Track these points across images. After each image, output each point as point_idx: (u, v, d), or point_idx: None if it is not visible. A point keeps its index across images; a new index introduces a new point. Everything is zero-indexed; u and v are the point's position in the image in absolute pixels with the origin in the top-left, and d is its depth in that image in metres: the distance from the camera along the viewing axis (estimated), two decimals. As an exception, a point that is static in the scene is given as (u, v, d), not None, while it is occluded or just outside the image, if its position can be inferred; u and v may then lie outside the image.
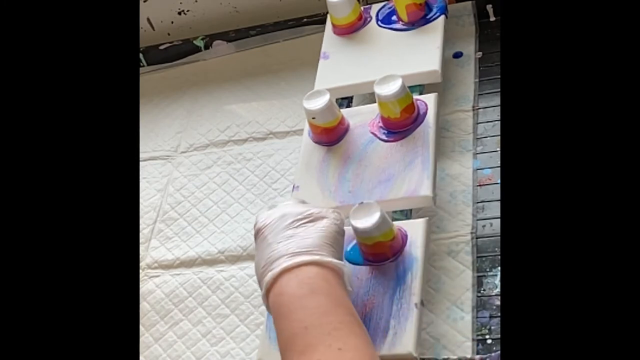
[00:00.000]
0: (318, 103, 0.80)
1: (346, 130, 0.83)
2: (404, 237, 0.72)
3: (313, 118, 0.82)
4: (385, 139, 0.80)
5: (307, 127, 0.85)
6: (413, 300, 0.68)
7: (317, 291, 0.61)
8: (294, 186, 0.81)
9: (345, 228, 0.71)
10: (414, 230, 0.73)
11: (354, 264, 0.72)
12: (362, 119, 0.83)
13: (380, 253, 0.71)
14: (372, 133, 0.81)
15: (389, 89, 0.78)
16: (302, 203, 0.70)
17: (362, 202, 0.70)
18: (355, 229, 0.70)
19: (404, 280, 0.69)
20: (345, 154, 0.81)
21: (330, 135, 0.83)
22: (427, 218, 0.74)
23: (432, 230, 0.78)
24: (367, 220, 0.69)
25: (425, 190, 0.74)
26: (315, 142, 0.84)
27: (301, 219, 0.66)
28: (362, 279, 0.71)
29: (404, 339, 0.66)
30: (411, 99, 0.79)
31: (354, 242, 0.73)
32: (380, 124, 0.81)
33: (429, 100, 0.81)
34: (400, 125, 0.80)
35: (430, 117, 0.80)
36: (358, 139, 0.82)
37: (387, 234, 0.70)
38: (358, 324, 0.60)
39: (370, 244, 0.70)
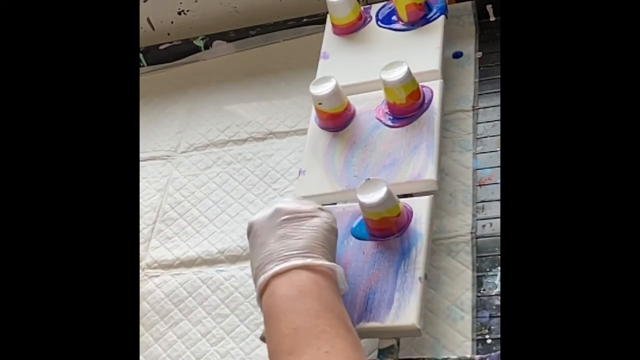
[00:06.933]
0: (325, 89, 0.82)
1: (352, 116, 0.84)
2: (409, 214, 0.73)
3: (320, 104, 0.83)
4: (391, 124, 0.82)
5: (313, 113, 0.86)
6: (417, 274, 0.69)
7: (307, 295, 0.62)
8: (300, 171, 0.82)
9: (352, 204, 0.72)
10: (419, 207, 0.74)
11: (360, 239, 0.74)
12: (368, 105, 0.85)
13: (386, 228, 0.72)
14: (378, 119, 0.83)
15: (395, 74, 0.79)
16: (298, 199, 0.70)
17: (369, 179, 0.72)
18: (362, 205, 0.71)
19: (408, 255, 0.71)
20: (351, 140, 0.83)
21: (337, 121, 0.84)
22: (432, 196, 0.75)
23: (432, 230, 0.78)
24: (373, 196, 0.70)
25: (430, 174, 0.75)
26: (322, 128, 0.85)
27: (292, 218, 0.66)
28: (368, 254, 0.72)
29: (408, 312, 0.67)
30: (417, 85, 0.80)
31: (360, 217, 0.74)
32: (386, 110, 0.83)
33: (435, 86, 0.82)
34: (406, 111, 0.81)
35: (436, 104, 0.81)
36: (364, 124, 0.83)
37: (392, 210, 0.71)
38: (346, 328, 0.61)
39: (377, 220, 0.71)
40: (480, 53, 0.92)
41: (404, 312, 0.67)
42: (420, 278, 0.69)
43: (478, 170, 0.81)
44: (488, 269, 0.74)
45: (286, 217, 0.66)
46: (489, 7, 0.95)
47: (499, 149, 0.82)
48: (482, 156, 0.82)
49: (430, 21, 0.89)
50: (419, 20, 0.90)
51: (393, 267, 0.70)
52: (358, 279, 0.71)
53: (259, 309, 0.80)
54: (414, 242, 0.71)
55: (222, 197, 0.94)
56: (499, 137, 0.83)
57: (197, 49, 1.12)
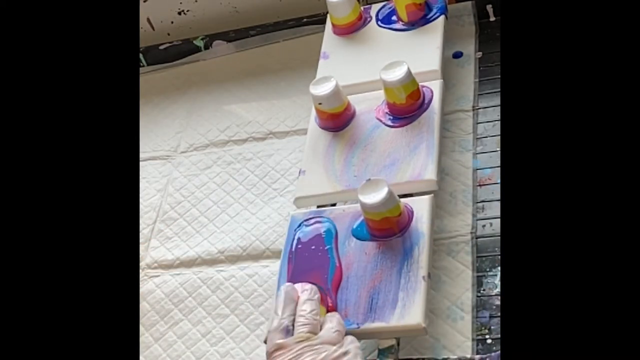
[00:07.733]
0: (325, 89, 0.82)
1: (352, 116, 0.84)
2: (410, 214, 0.73)
3: (320, 104, 0.83)
4: (391, 124, 0.82)
5: (313, 113, 0.86)
6: (420, 273, 0.69)
7: None
8: (300, 171, 0.83)
9: (352, 205, 0.74)
10: (420, 206, 0.74)
11: (361, 239, 0.74)
12: (368, 105, 0.85)
13: (387, 228, 0.72)
14: (378, 119, 0.83)
15: (395, 74, 0.79)
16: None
17: (369, 179, 0.72)
18: (363, 205, 0.71)
19: (411, 255, 0.71)
20: (351, 140, 0.83)
21: (337, 121, 0.84)
22: (432, 195, 0.75)
23: (434, 229, 0.78)
24: (374, 196, 0.70)
25: (430, 174, 0.75)
26: (322, 128, 0.85)
27: None
28: (370, 254, 0.72)
29: (413, 311, 0.67)
30: (417, 85, 0.81)
31: (361, 218, 0.74)
32: (386, 110, 0.83)
33: (435, 86, 0.83)
34: (406, 111, 0.81)
35: (436, 104, 0.81)
36: (364, 124, 0.83)
37: (394, 209, 0.71)
38: None
39: (378, 220, 0.72)
40: (480, 53, 0.92)
41: (409, 312, 0.67)
42: (423, 277, 0.69)
43: (478, 170, 0.81)
44: (488, 269, 0.74)
45: None
46: (489, 7, 0.95)
47: (499, 149, 0.82)
48: (482, 156, 0.82)
49: (430, 21, 0.89)
50: (419, 20, 0.90)
51: (396, 267, 0.71)
52: (361, 280, 0.71)
53: (259, 309, 0.81)
54: (416, 242, 0.72)
55: (222, 197, 0.94)
56: (499, 137, 0.83)
57: (197, 49, 1.12)
